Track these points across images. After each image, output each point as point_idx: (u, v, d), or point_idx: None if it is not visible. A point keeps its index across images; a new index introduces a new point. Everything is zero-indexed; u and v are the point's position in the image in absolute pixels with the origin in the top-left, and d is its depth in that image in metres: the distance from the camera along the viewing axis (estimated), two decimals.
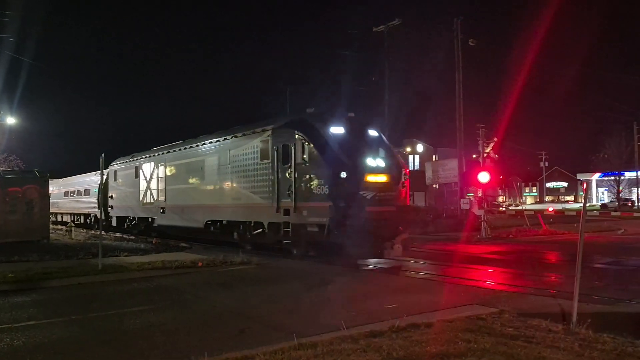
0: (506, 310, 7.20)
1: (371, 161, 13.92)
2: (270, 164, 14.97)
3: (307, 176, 13.78)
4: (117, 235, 25.06)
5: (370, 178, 13.55)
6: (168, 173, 21.34)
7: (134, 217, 24.96)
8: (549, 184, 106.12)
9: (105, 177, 28.08)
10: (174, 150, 21.18)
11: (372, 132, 15.28)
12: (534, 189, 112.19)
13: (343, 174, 13.07)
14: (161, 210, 21.63)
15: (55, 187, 39.22)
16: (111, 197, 26.95)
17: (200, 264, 12.88)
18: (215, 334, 6.52)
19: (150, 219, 23.01)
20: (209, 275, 11.65)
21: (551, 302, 8.12)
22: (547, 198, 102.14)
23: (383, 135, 15.79)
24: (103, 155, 13.72)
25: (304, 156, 13.87)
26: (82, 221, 33.79)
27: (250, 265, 12.97)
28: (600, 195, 77.54)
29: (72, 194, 35.89)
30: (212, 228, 18.27)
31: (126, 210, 25.67)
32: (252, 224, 16.17)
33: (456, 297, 8.73)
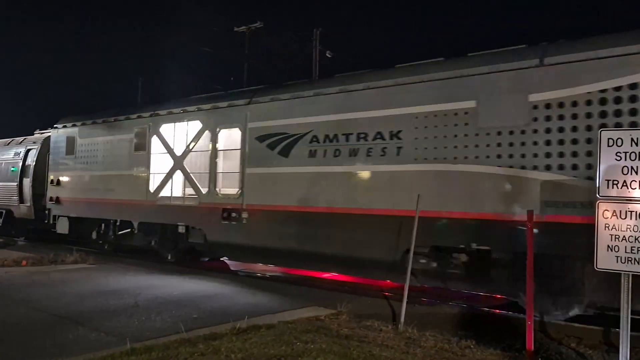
0: (343, 311, 7.58)
1: None
2: None
3: None
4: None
5: None
6: (253, 141, 11.30)
7: (125, 222, 14.12)
8: None
9: (37, 149, 17.75)
10: (275, 100, 11.18)
11: None
12: None
13: None
14: (225, 216, 11.54)
15: None
16: (55, 182, 16.12)
17: (24, 262, 11.65)
18: (37, 341, 5.87)
19: (179, 228, 12.74)
20: (35, 276, 10.48)
21: (384, 303, 8.72)
22: None
23: None
24: None
25: None
26: None
27: (84, 265, 12.00)
28: None
29: None
30: (436, 263, 8.64)
31: (100, 209, 14.74)
32: None
33: (298, 298, 8.96)
